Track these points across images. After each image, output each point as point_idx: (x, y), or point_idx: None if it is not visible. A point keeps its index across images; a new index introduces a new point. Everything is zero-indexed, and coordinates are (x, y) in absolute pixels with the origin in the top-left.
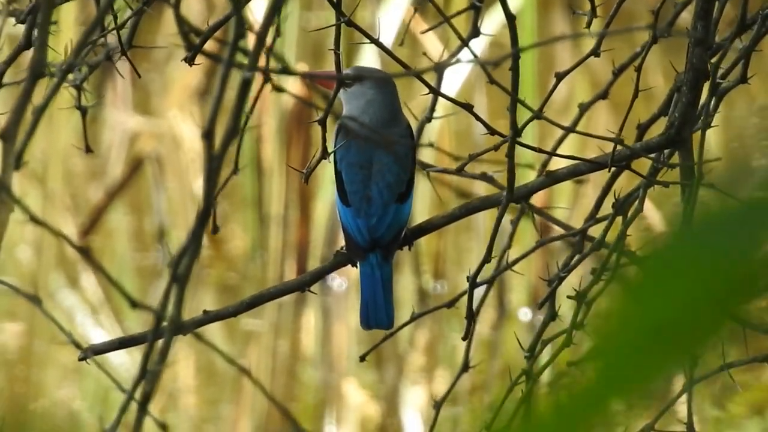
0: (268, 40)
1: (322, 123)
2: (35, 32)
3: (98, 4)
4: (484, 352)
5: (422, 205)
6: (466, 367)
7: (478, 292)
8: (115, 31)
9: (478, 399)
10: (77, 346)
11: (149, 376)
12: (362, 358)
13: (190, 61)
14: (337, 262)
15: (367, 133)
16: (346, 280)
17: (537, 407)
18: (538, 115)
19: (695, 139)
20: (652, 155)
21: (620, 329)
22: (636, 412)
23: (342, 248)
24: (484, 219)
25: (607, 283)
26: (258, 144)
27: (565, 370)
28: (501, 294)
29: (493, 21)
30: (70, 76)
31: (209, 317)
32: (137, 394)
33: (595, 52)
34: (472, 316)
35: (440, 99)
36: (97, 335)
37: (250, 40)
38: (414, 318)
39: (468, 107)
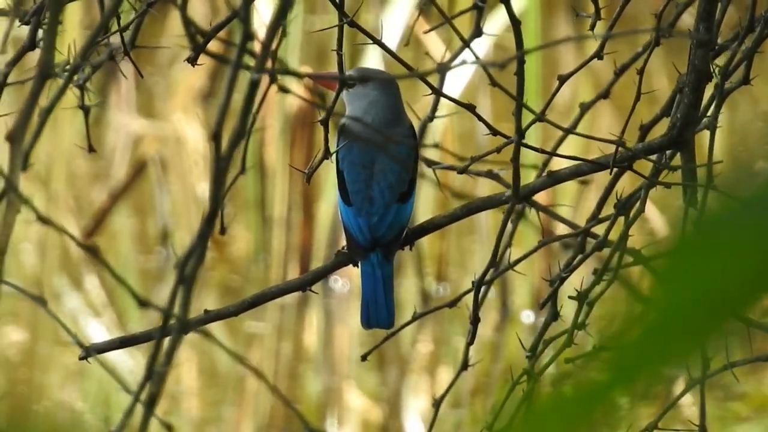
0: (275, 42)
1: (325, 123)
2: (40, 33)
3: (102, 6)
4: (487, 354)
5: (425, 205)
6: (465, 365)
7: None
8: (118, 32)
9: (480, 401)
10: (80, 345)
11: (155, 377)
12: (363, 358)
13: (192, 61)
14: (338, 262)
15: (369, 133)
16: (348, 282)
17: (539, 403)
18: (540, 117)
19: (697, 141)
20: (654, 156)
21: (629, 325)
22: (639, 409)
23: (343, 248)
24: (487, 221)
25: (609, 284)
26: (261, 146)
27: (570, 368)
28: (504, 296)
29: (496, 22)
30: (74, 76)
31: (210, 317)
32: (143, 396)
33: (599, 55)
34: (477, 321)
35: (443, 100)
36: (101, 337)
37: (255, 42)
38: (415, 318)
39: (470, 108)
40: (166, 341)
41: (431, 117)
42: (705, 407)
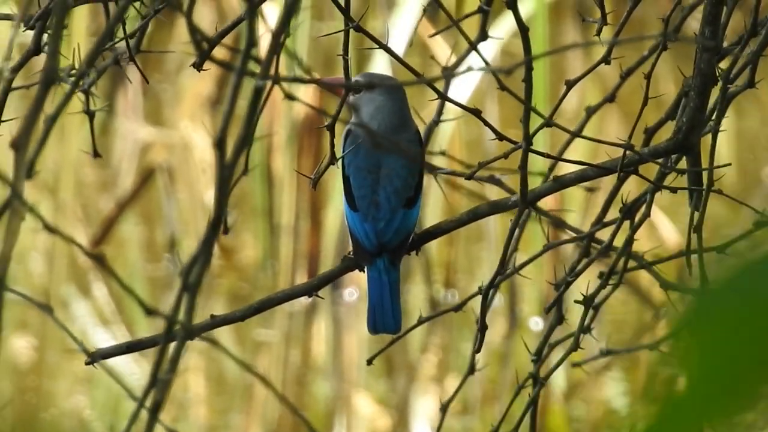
0: (280, 48)
1: (331, 128)
2: (44, 37)
3: (107, 13)
4: (496, 361)
5: (432, 210)
6: (472, 369)
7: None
8: (124, 39)
9: (488, 409)
10: (85, 351)
11: (160, 383)
12: (369, 362)
13: (198, 66)
14: (344, 267)
15: (375, 138)
16: (357, 290)
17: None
18: (548, 122)
19: (703, 145)
20: (660, 160)
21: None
22: None
23: (349, 253)
24: (495, 227)
25: (614, 288)
26: (269, 153)
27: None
28: (512, 303)
29: (503, 27)
30: (80, 82)
31: (216, 322)
32: (148, 402)
33: (606, 60)
34: (484, 329)
35: (450, 105)
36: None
37: (261, 48)
38: (421, 321)
39: (476, 112)
40: (171, 348)
41: (437, 120)
42: None
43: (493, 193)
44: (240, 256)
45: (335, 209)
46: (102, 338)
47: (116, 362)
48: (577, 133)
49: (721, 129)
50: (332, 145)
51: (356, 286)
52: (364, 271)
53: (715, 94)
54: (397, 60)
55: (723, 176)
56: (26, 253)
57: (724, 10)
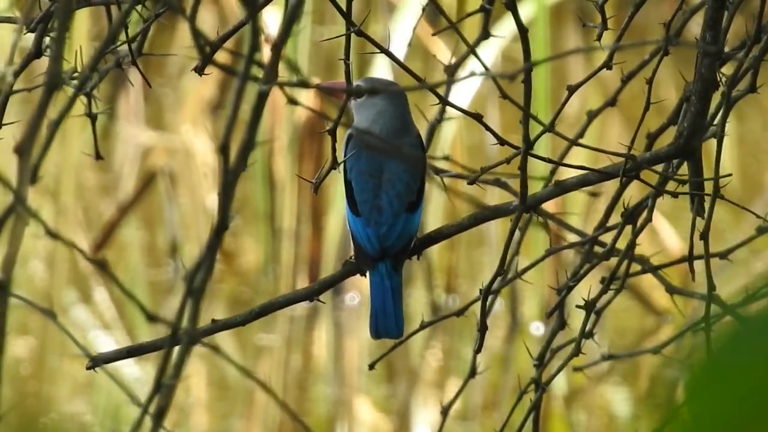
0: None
1: (332, 133)
2: (46, 41)
3: (110, 16)
4: (497, 367)
5: (433, 215)
6: (473, 372)
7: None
8: (126, 42)
9: (490, 414)
10: (87, 355)
11: (164, 389)
12: (371, 367)
13: (200, 71)
14: (346, 272)
15: (377, 143)
16: (358, 294)
17: None
18: (549, 128)
19: (705, 150)
20: (661, 165)
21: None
22: None
23: (351, 257)
24: (497, 232)
25: (616, 293)
26: (270, 158)
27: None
28: (513, 308)
29: (505, 30)
30: (83, 86)
31: (218, 326)
32: (152, 408)
33: (607, 65)
34: (484, 329)
35: (451, 108)
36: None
37: (264, 52)
38: (423, 326)
39: (477, 117)
40: (175, 353)
41: (439, 119)
42: None
43: (494, 198)
44: (241, 261)
45: (337, 214)
46: (104, 343)
47: (118, 367)
48: (576, 141)
49: (726, 134)
50: (334, 150)
51: (357, 291)
52: (365, 276)
53: (716, 99)
54: (398, 64)
55: (726, 182)
56: (27, 258)
57: (725, 15)
